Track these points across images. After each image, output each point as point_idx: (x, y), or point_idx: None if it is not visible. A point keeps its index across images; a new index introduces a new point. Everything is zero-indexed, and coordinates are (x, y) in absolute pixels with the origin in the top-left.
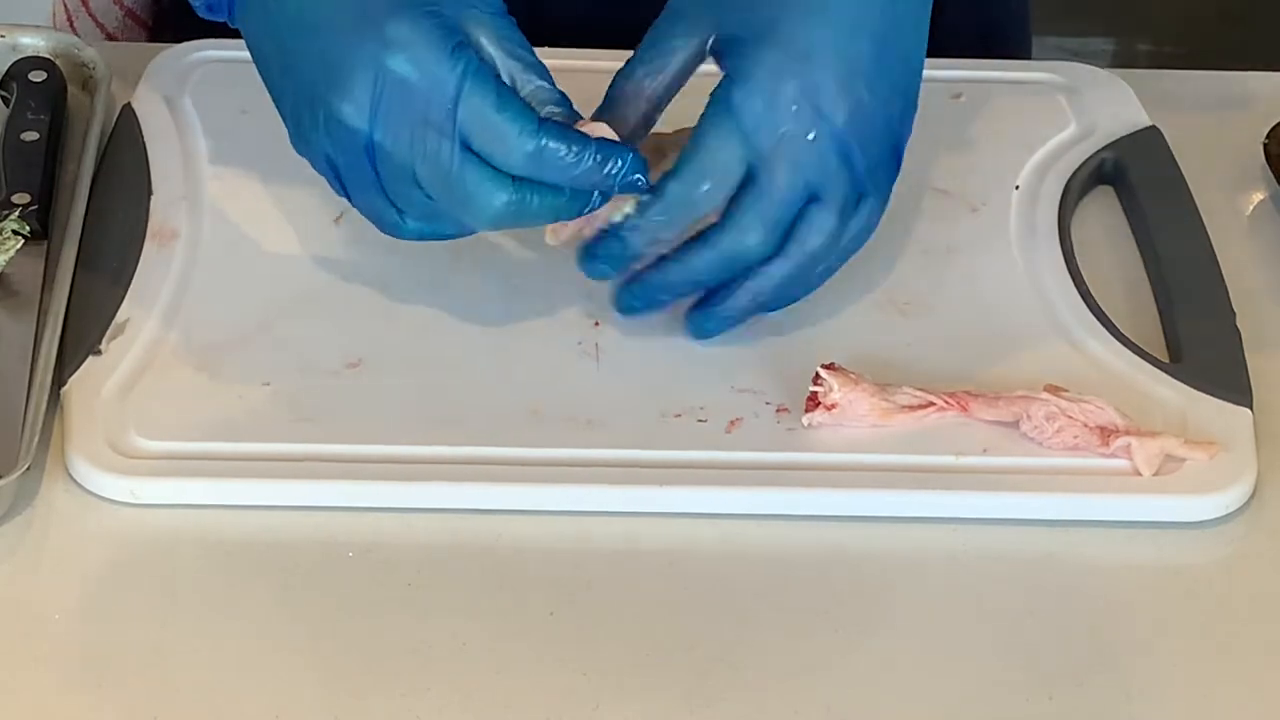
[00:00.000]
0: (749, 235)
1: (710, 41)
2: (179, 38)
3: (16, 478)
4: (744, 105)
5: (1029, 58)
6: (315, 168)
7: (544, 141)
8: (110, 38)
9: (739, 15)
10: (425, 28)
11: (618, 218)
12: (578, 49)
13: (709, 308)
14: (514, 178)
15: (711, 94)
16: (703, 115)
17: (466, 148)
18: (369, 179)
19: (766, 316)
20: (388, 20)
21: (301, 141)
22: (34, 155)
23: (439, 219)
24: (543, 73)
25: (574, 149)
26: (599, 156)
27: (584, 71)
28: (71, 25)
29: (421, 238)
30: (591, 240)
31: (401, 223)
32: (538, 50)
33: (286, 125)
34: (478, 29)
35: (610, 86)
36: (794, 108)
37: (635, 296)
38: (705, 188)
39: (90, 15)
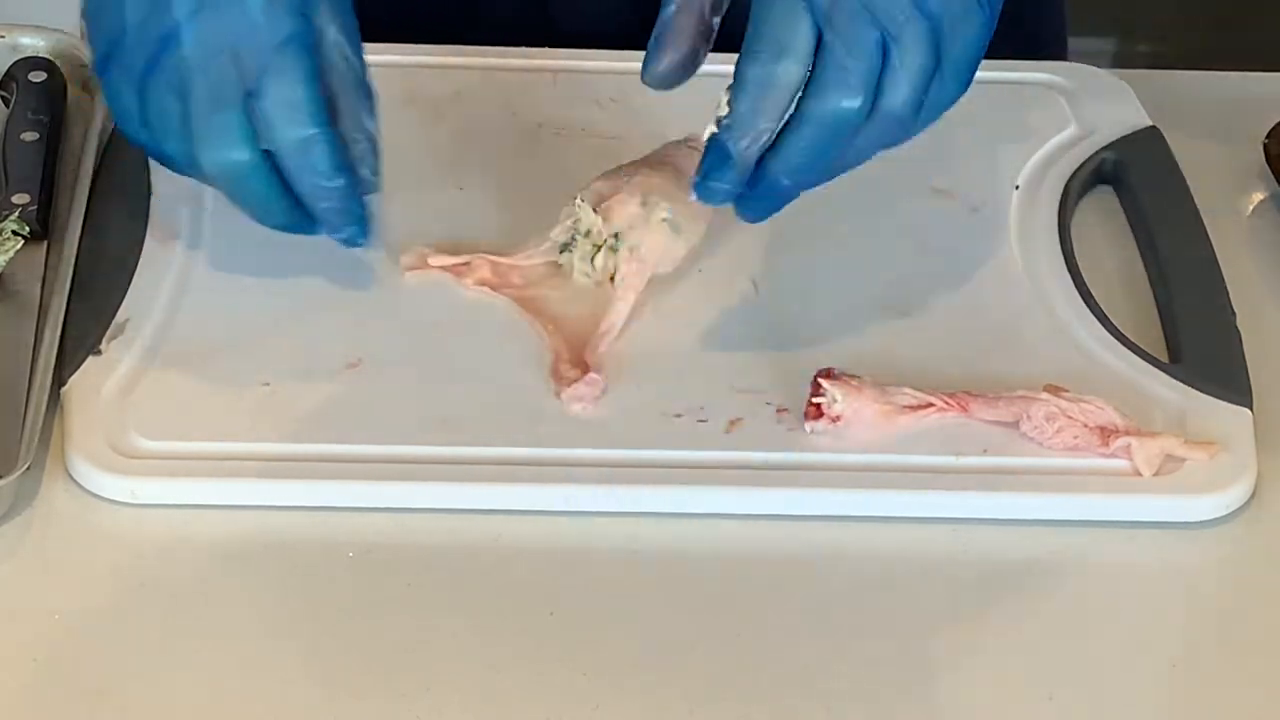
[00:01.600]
0: (831, 95)
1: None
2: None
3: (16, 478)
4: None
5: (1064, 57)
6: (91, 25)
7: (318, 139)
8: None
9: None
10: None
11: (711, 129)
12: (583, 50)
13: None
14: (264, 151)
15: None
16: None
17: (247, 93)
18: (141, 64)
19: (766, 317)
20: None
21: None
22: (34, 155)
23: (169, 139)
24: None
25: (335, 166)
26: (345, 193)
27: (587, 73)
28: None
29: (137, 143)
30: (699, 166)
31: (137, 118)
32: (543, 51)
33: None
34: (332, 25)
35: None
36: None
37: (753, 204)
38: (779, 61)
39: None
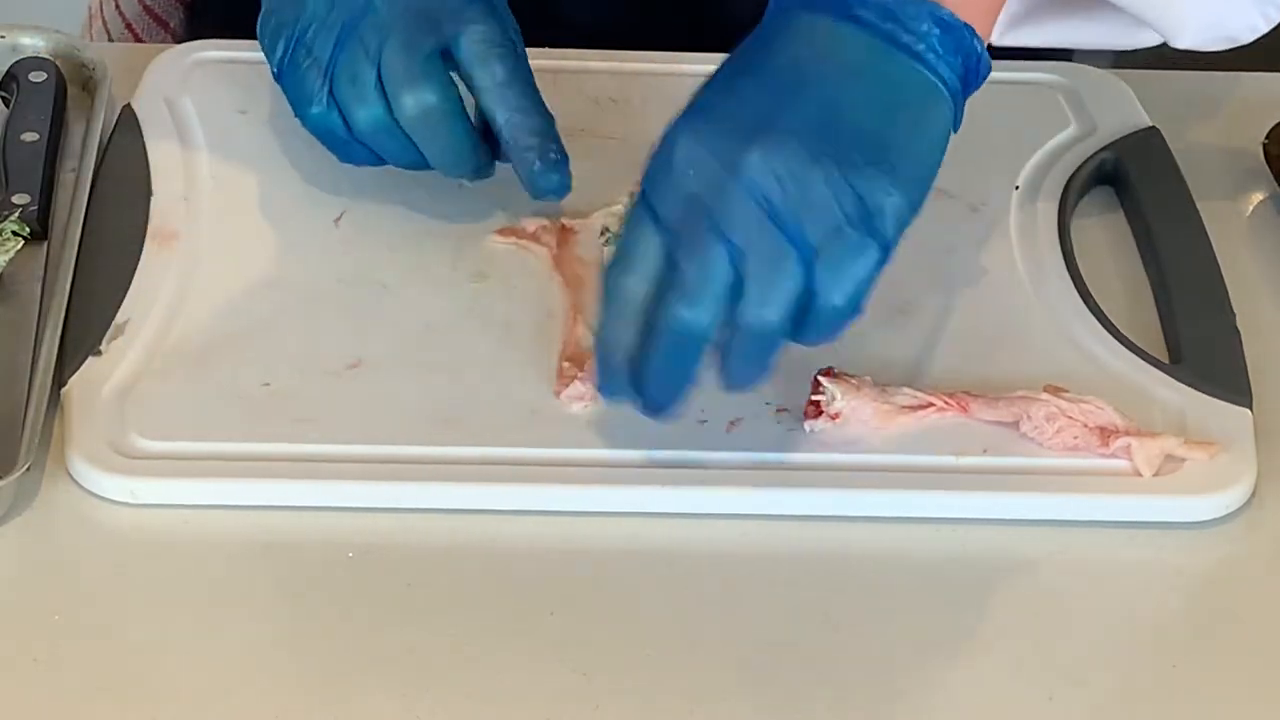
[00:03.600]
0: (672, 305)
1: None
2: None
3: (16, 478)
4: (648, 184)
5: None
6: (271, 25)
7: (517, 75)
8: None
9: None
10: None
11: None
12: (583, 50)
13: (722, 369)
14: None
15: None
16: None
17: (442, 45)
18: (331, 44)
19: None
20: None
21: None
22: (34, 156)
23: (363, 104)
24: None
25: (536, 103)
26: (547, 131)
27: (587, 72)
28: (104, 20)
29: (322, 127)
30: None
31: (325, 99)
32: (543, 51)
33: None
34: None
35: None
36: (691, 171)
37: (649, 402)
38: (632, 274)
39: (120, 11)
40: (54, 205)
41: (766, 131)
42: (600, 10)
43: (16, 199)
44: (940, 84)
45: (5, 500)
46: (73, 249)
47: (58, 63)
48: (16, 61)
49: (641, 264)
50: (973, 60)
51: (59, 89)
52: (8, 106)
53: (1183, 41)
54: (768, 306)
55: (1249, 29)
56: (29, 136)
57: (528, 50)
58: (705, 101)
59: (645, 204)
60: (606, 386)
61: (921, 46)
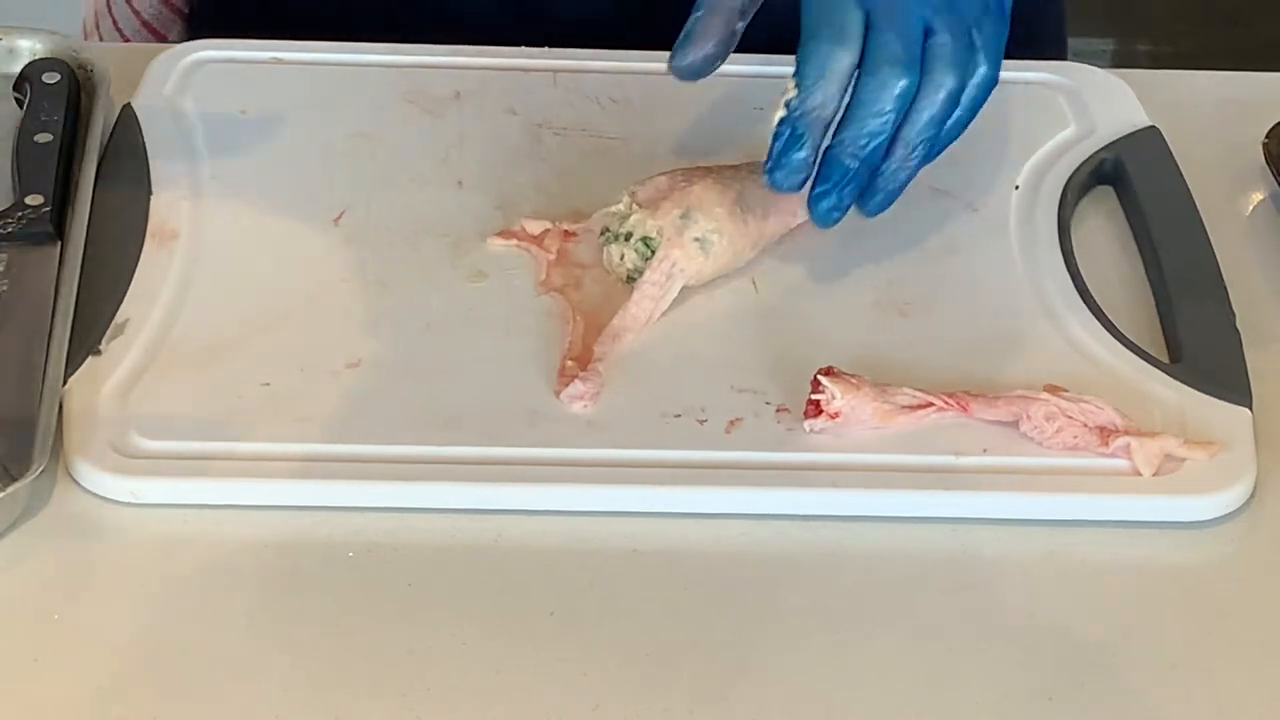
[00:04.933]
0: (882, 74)
1: None
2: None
3: (31, 480)
4: None
5: (1064, 57)
6: None
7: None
8: (145, 25)
9: None
10: None
11: (780, 114)
12: (582, 49)
13: (875, 185)
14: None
15: None
16: None
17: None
18: None
19: (766, 317)
20: None
21: None
22: (48, 157)
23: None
24: None
25: None
26: None
27: (587, 72)
28: (98, 29)
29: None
30: (769, 153)
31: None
32: (540, 50)
33: None
34: None
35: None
36: None
37: (822, 199)
38: (838, 44)
39: (112, 17)
40: (67, 207)
41: None
42: (604, 9)
43: (30, 200)
44: None
45: (20, 502)
46: (79, 250)
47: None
48: (31, 63)
49: (849, 36)
50: None
51: (72, 90)
52: (22, 108)
53: None
54: (954, 68)
55: None
56: (43, 138)
57: (528, 50)
58: None
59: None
60: (786, 156)
61: None
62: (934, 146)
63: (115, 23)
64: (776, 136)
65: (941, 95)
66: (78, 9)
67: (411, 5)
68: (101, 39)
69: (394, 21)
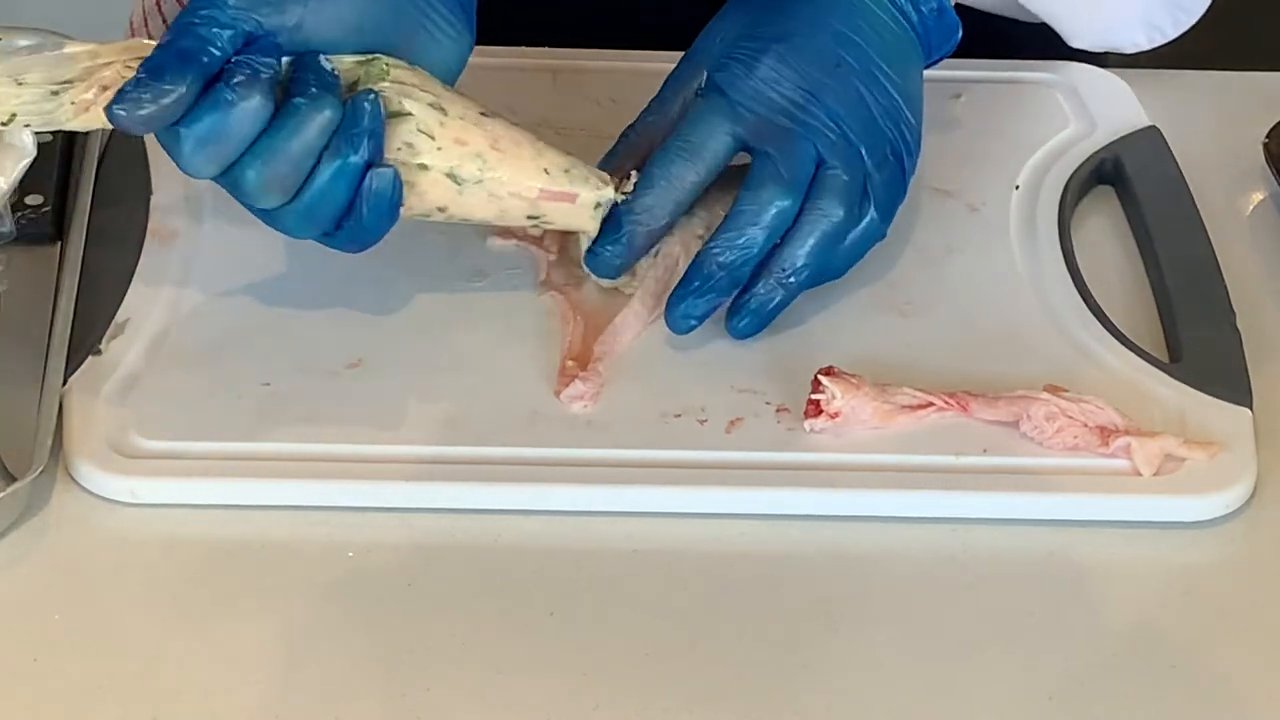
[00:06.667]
0: (763, 191)
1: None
2: None
3: (30, 480)
4: (730, 85)
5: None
6: None
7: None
8: None
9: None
10: None
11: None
12: (583, 49)
13: (743, 302)
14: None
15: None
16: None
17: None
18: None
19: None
20: None
21: None
22: (47, 157)
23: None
24: None
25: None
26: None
27: (587, 72)
28: (146, 26)
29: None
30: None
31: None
32: (540, 50)
33: None
34: None
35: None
36: (781, 88)
37: (678, 303)
38: (684, 161)
39: (161, 16)
40: (66, 208)
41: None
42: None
43: (30, 200)
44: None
45: (20, 502)
46: (79, 250)
47: None
48: None
49: (708, 159)
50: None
51: None
52: None
53: (1075, 43)
54: (843, 200)
55: (1131, 44)
56: (43, 137)
57: (527, 50)
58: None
59: (721, 100)
60: (604, 245)
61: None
62: (811, 278)
63: (165, 21)
64: (603, 223)
65: (825, 224)
66: (73, 11)
67: None
68: (151, 37)
69: None
